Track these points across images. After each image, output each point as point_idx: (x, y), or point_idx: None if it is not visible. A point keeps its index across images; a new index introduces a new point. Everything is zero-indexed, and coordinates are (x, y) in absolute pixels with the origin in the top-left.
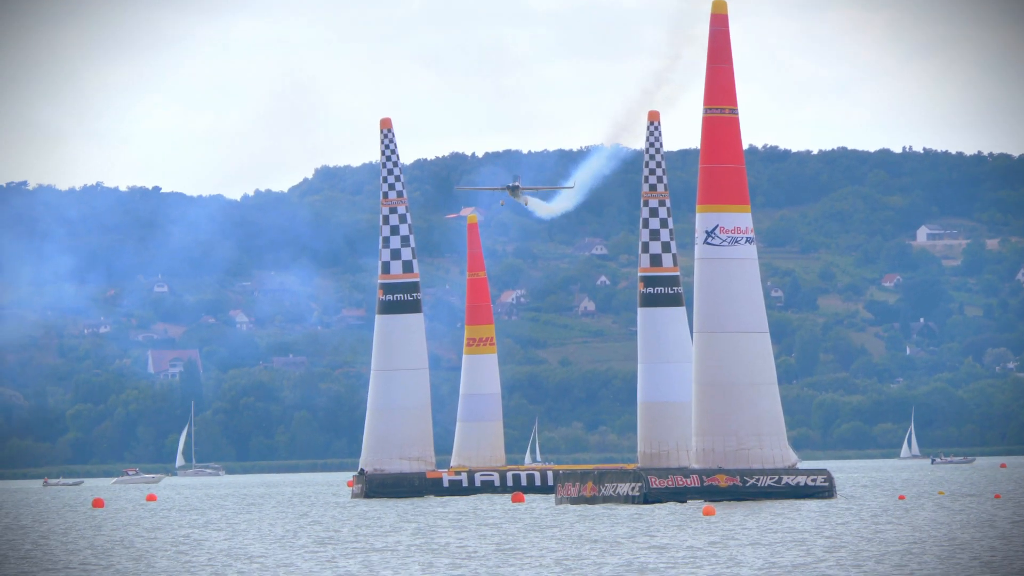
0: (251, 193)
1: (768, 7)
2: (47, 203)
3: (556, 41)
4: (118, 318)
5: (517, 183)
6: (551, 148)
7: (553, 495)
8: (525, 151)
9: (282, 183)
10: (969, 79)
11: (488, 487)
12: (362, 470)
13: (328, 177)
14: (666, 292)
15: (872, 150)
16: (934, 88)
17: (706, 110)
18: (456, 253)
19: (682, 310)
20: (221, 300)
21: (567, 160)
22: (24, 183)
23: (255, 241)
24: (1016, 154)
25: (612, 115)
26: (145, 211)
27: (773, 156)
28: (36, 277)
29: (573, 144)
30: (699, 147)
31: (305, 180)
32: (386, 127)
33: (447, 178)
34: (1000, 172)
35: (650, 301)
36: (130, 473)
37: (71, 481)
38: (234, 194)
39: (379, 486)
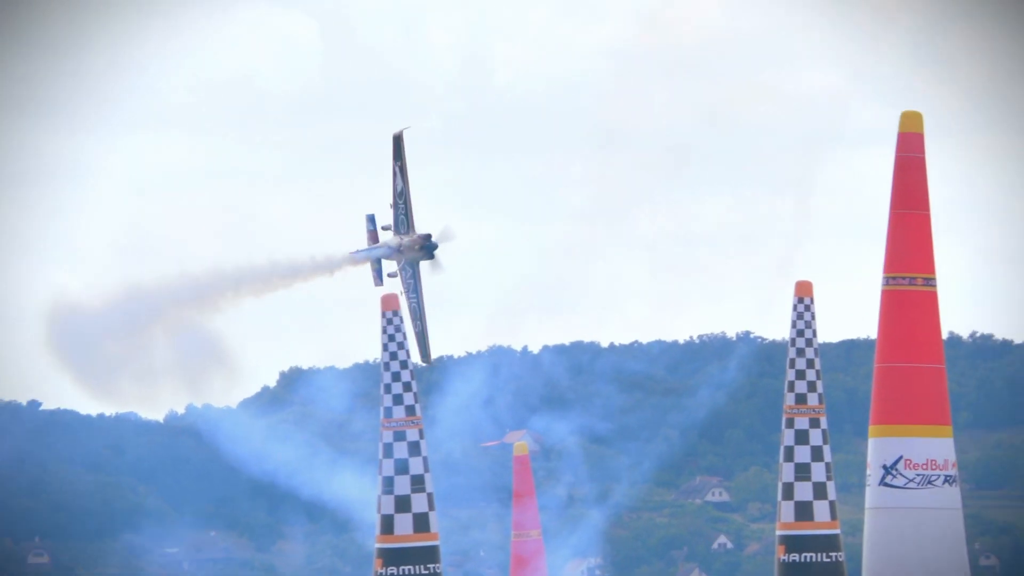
0: (179, 411)
1: (976, 118)
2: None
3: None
4: None
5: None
6: (643, 339)
7: None
8: (605, 343)
9: (235, 394)
10: None
11: None
12: None
13: (303, 383)
14: (819, 560)
15: None
16: None
17: (887, 280)
18: (495, 502)
19: None
20: None
21: (670, 356)
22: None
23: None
24: None
25: (735, 288)
26: None
27: (987, 351)
28: None
29: (677, 332)
30: (874, 337)
31: (265, 389)
32: (391, 308)
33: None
34: None
35: (795, 574)
36: None
37: None
38: (151, 410)
39: None
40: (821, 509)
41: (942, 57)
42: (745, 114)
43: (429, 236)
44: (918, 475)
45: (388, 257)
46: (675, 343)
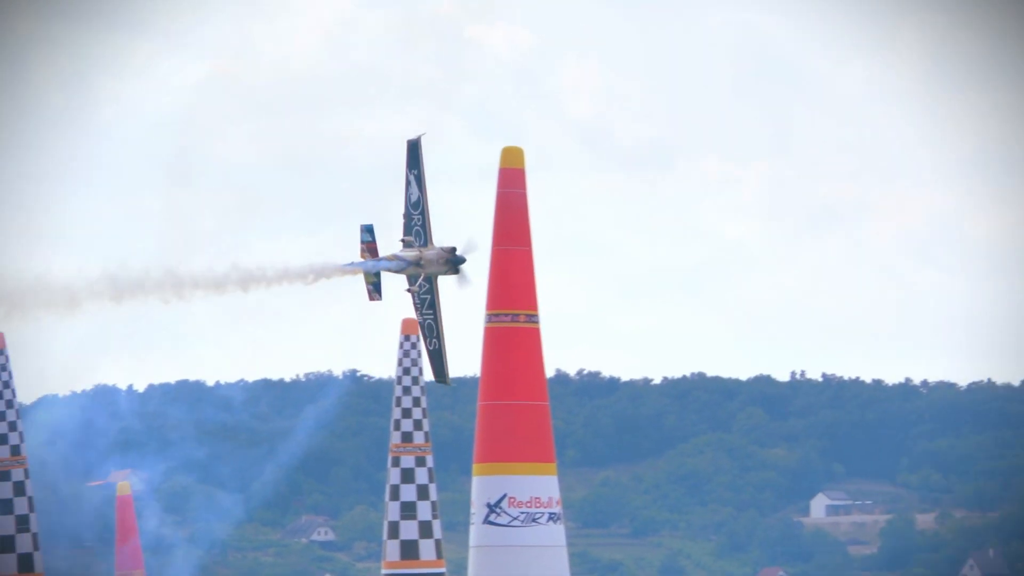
0: None
1: (582, 158)
2: None
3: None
4: None
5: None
6: (249, 378)
7: None
8: (212, 382)
9: None
10: (893, 261)
11: None
12: None
13: None
14: None
15: (744, 377)
16: (839, 270)
17: (489, 317)
18: (99, 545)
19: None
20: None
21: (275, 394)
22: None
23: None
24: (964, 383)
25: (341, 324)
26: None
27: (592, 388)
28: None
29: (283, 371)
30: (478, 375)
31: None
32: None
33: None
34: (939, 411)
35: None
36: None
37: None
38: None
39: None
40: (427, 548)
41: (546, 92)
42: (329, 151)
43: (454, 249)
44: (522, 513)
45: (401, 271)
46: (281, 381)
